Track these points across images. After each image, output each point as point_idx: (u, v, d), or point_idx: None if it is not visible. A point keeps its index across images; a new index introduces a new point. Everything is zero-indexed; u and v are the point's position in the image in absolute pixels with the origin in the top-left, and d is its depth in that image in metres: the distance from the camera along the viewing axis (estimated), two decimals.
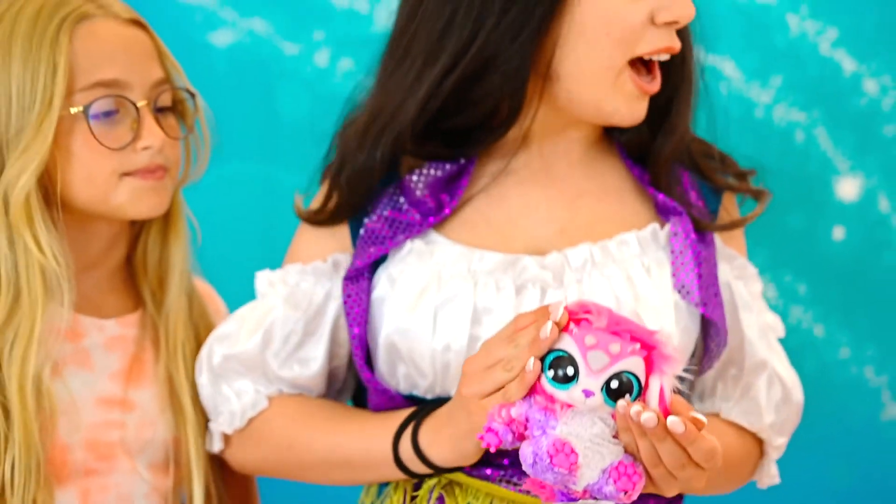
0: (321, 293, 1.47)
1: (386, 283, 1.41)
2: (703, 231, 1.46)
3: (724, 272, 1.49)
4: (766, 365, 1.50)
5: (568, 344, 1.21)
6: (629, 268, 1.40)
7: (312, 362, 1.47)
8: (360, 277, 1.42)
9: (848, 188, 2.49)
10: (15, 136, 1.41)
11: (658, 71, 1.41)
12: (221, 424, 1.48)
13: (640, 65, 1.39)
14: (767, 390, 1.51)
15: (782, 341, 2.12)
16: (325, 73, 2.50)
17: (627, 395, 1.19)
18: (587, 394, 1.19)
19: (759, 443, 1.53)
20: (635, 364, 1.21)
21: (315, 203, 1.57)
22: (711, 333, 1.45)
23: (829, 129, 2.48)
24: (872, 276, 2.48)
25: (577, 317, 1.22)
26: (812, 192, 2.48)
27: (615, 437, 1.21)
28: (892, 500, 2.44)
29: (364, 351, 1.43)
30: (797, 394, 1.56)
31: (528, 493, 1.27)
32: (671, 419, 1.16)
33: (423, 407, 1.39)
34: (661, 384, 1.21)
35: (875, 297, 2.48)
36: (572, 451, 1.19)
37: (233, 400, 1.47)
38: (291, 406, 1.48)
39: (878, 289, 2.48)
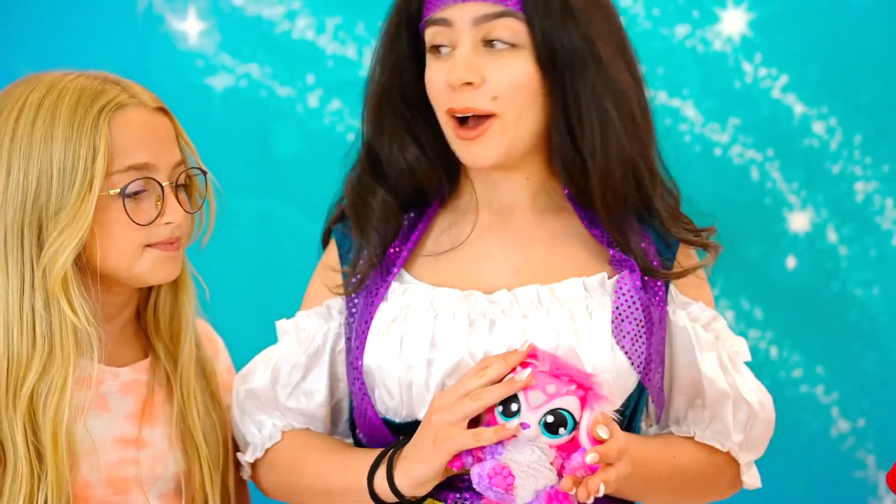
0: (321, 333, 1.57)
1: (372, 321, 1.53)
2: (654, 278, 1.54)
3: (681, 318, 1.55)
4: (729, 394, 1.56)
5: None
6: (573, 308, 1.49)
7: (316, 394, 1.56)
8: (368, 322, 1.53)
9: (799, 221, 2.54)
10: (55, 214, 1.46)
11: (475, 122, 1.51)
12: (247, 455, 1.59)
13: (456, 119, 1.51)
14: (734, 414, 1.56)
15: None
16: (316, 113, 2.54)
17: (562, 429, 1.34)
18: (524, 426, 1.34)
19: (728, 459, 1.60)
20: (570, 402, 1.35)
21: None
22: (652, 396, 1.54)
23: (782, 166, 2.52)
24: (822, 302, 2.53)
25: (525, 361, 1.36)
26: (766, 225, 2.52)
27: (552, 464, 1.34)
28: None
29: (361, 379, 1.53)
30: (765, 412, 1.61)
31: None
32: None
33: (394, 444, 1.48)
34: (591, 419, 1.35)
35: (825, 321, 2.53)
36: (510, 473, 1.34)
37: (255, 433, 1.57)
38: (298, 439, 1.57)
39: (827, 314, 2.53)
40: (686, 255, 1.62)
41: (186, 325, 1.61)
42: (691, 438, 1.56)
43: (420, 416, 1.49)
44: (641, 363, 1.49)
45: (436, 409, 1.40)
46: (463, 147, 1.50)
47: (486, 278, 1.52)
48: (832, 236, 2.56)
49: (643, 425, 1.63)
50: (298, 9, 2.54)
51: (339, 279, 1.57)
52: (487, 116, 1.48)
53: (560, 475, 1.34)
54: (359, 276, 1.54)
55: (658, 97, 2.53)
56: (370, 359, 1.49)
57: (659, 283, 1.55)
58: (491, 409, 1.36)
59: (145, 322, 1.59)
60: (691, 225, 1.65)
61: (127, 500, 1.54)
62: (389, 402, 1.50)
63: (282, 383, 1.56)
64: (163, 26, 2.55)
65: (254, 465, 1.61)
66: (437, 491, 1.46)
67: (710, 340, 1.56)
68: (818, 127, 2.56)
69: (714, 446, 1.57)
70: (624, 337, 1.49)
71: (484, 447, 1.37)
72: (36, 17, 2.56)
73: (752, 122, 2.54)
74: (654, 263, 1.53)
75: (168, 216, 1.51)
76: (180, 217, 1.52)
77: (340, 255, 1.61)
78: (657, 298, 1.54)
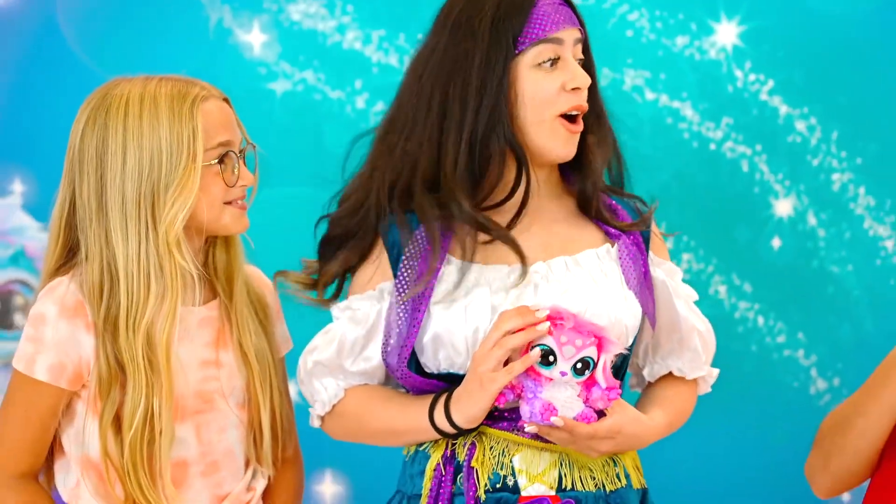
0: (374, 312, 1.73)
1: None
2: (637, 235, 1.76)
3: (659, 273, 1.77)
4: (695, 328, 1.78)
5: (549, 341, 1.59)
6: (592, 273, 1.69)
7: (374, 359, 1.73)
8: (421, 307, 1.68)
9: (783, 207, 2.62)
10: (166, 186, 1.63)
11: (580, 120, 1.71)
12: (316, 409, 1.77)
13: (566, 118, 1.70)
14: (701, 344, 1.78)
15: (731, 325, 2.52)
16: (363, 113, 2.61)
17: (586, 370, 1.57)
18: (563, 374, 1.57)
19: (696, 387, 1.83)
20: (592, 351, 1.60)
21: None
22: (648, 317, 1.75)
23: (769, 159, 2.61)
24: (803, 278, 2.62)
25: (553, 321, 1.57)
26: (755, 211, 2.60)
27: (579, 396, 1.57)
28: None
29: (410, 352, 1.70)
30: (712, 336, 1.83)
31: (526, 435, 1.61)
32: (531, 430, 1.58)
33: (445, 389, 1.67)
34: (605, 360, 1.60)
35: (805, 294, 2.62)
36: (554, 407, 1.56)
37: (322, 392, 1.74)
38: (360, 394, 1.75)
39: (807, 288, 2.62)
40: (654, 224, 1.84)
41: (237, 271, 1.77)
42: (673, 381, 1.78)
43: None
44: (646, 305, 1.71)
45: (477, 362, 1.59)
46: (568, 141, 1.69)
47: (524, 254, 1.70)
48: (812, 220, 2.63)
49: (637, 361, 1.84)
50: (348, 23, 2.60)
51: (387, 266, 1.72)
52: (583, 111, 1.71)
53: (585, 402, 1.57)
54: (423, 268, 1.68)
55: (661, 99, 2.63)
56: (438, 326, 1.66)
57: (642, 249, 1.75)
58: (532, 367, 1.57)
59: (208, 269, 1.75)
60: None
61: (213, 408, 1.72)
62: (456, 359, 1.67)
63: (346, 354, 1.72)
64: (231, 38, 2.61)
65: (322, 419, 1.78)
66: (494, 422, 1.67)
67: (678, 290, 1.77)
68: (800, 125, 2.63)
69: (685, 378, 1.78)
70: (630, 289, 1.69)
71: (524, 387, 1.58)
72: (124, 30, 2.62)
73: (743, 121, 2.61)
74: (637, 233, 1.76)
75: (243, 179, 1.70)
76: (251, 179, 1.72)
77: (387, 247, 1.74)
78: (643, 259, 1.75)
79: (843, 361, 2.63)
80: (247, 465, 1.76)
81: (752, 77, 2.62)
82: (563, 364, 1.58)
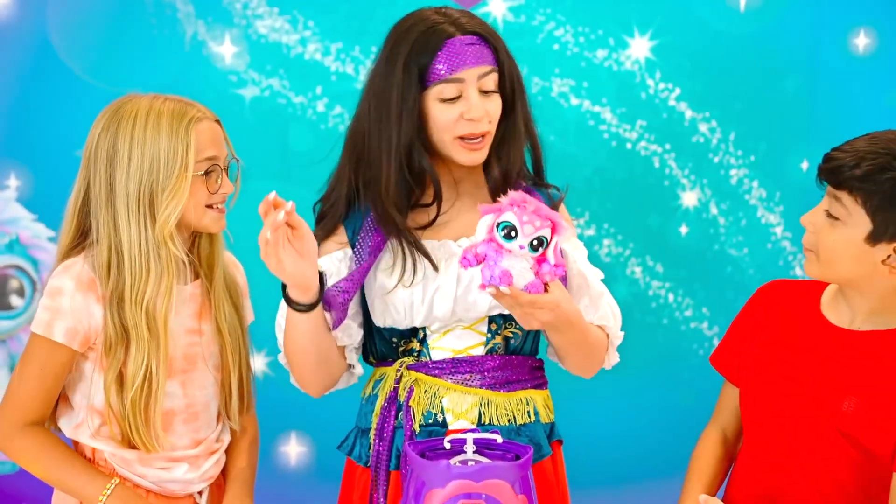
0: (333, 267, 1.84)
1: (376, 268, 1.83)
2: None
3: (568, 247, 1.86)
4: (603, 293, 1.88)
5: (512, 218, 1.67)
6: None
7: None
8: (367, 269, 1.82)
9: (689, 198, 2.70)
10: (162, 189, 1.77)
11: (481, 139, 1.80)
12: (281, 354, 1.88)
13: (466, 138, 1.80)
14: (607, 307, 1.87)
15: (646, 301, 2.61)
16: (323, 116, 2.65)
17: (540, 247, 1.64)
18: (521, 247, 1.64)
19: (607, 338, 1.89)
20: (546, 232, 1.67)
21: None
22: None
23: (676, 157, 2.70)
24: (706, 260, 2.72)
25: (518, 204, 1.65)
26: (665, 201, 2.69)
27: (531, 269, 1.64)
28: None
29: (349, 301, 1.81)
30: (618, 309, 1.90)
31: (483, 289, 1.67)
32: (490, 292, 1.64)
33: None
34: (557, 241, 1.68)
35: (708, 274, 2.72)
36: (510, 275, 1.64)
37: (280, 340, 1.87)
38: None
39: (710, 268, 2.71)
40: (562, 208, 1.92)
41: (217, 260, 1.91)
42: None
43: (416, 323, 1.81)
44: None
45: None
46: (469, 154, 1.81)
47: (454, 232, 1.84)
48: (714, 210, 2.71)
49: None
50: (309, 36, 2.61)
51: (344, 238, 1.85)
52: (487, 133, 1.81)
53: (535, 275, 1.67)
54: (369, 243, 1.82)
55: (583, 104, 2.68)
56: (387, 290, 1.80)
57: None
58: (496, 240, 1.66)
59: (193, 256, 1.89)
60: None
61: (195, 368, 1.86)
62: (396, 316, 1.81)
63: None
64: (205, 49, 2.61)
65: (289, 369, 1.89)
66: (428, 371, 1.79)
67: (584, 258, 1.87)
68: (703, 127, 2.69)
69: (603, 326, 1.86)
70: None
71: (486, 256, 1.67)
72: (109, 41, 2.61)
73: (654, 124, 2.70)
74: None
75: (224, 188, 1.84)
76: (230, 188, 1.85)
77: (345, 226, 1.87)
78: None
79: None
80: (218, 418, 1.90)
81: (661, 85, 2.68)
82: (523, 239, 1.65)
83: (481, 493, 1.43)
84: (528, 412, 1.83)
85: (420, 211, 1.85)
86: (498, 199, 1.69)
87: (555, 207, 1.87)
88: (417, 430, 1.78)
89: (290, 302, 1.75)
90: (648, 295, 2.71)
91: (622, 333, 1.92)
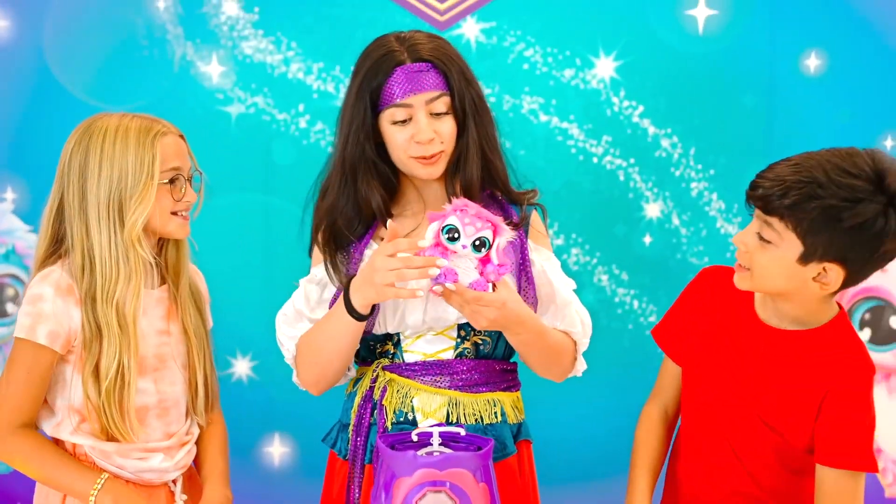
0: (325, 274, 1.95)
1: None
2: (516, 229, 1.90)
3: (535, 257, 1.93)
4: (570, 303, 1.94)
5: (455, 221, 1.74)
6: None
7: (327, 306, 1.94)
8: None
9: (653, 210, 2.72)
10: (130, 196, 1.86)
11: (436, 156, 1.87)
12: (287, 354, 1.96)
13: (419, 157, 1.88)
14: (574, 315, 1.93)
15: (612, 307, 2.61)
16: (305, 132, 2.70)
17: (482, 248, 1.70)
18: (464, 247, 1.71)
19: (573, 344, 1.94)
20: (488, 233, 1.74)
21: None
22: (530, 298, 1.90)
23: (640, 171, 2.72)
24: (669, 268, 2.74)
25: (460, 209, 1.72)
26: (630, 212, 2.72)
27: (476, 269, 1.71)
28: None
29: None
30: (588, 318, 1.96)
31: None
32: (437, 290, 1.69)
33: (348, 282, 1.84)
34: (499, 243, 1.74)
35: (671, 281, 2.69)
36: (455, 273, 1.69)
37: (286, 340, 1.95)
38: (307, 333, 1.94)
39: (672, 276, 2.71)
40: (535, 218, 1.98)
41: (184, 266, 1.99)
42: (554, 327, 1.93)
43: (388, 329, 1.89)
44: (520, 277, 1.89)
45: (375, 266, 1.75)
46: (424, 170, 1.88)
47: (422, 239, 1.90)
48: (676, 221, 2.73)
49: None
50: (292, 57, 2.67)
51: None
52: (440, 152, 1.88)
53: (480, 275, 1.73)
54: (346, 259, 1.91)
55: (552, 121, 2.70)
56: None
57: (522, 237, 1.91)
58: (441, 243, 1.72)
59: (160, 262, 1.97)
60: (521, 197, 1.98)
61: (166, 366, 1.95)
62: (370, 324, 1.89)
63: (310, 305, 1.94)
64: (193, 69, 2.67)
65: (294, 362, 1.96)
66: (401, 373, 1.87)
67: (555, 268, 1.93)
68: (665, 143, 2.71)
69: (568, 332, 1.92)
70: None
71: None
72: (102, 61, 2.67)
73: (619, 139, 2.72)
74: (514, 220, 1.91)
75: (188, 197, 1.92)
76: (193, 197, 1.94)
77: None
78: (522, 243, 1.91)
79: None
80: (187, 414, 1.98)
81: (626, 103, 2.70)
82: (465, 240, 1.72)
83: (445, 480, 1.51)
84: (496, 413, 1.90)
85: (381, 224, 1.93)
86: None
87: (524, 221, 1.93)
88: (389, 427, 1.86)
89: (352, 311, 1.80)
90: (614, 301, 2.74)
91: (587, 341, 1.95)
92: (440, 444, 1.60)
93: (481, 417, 1.88)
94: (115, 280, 1.85)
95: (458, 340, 1.92)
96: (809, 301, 1.72)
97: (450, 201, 1.79)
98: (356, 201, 1.91)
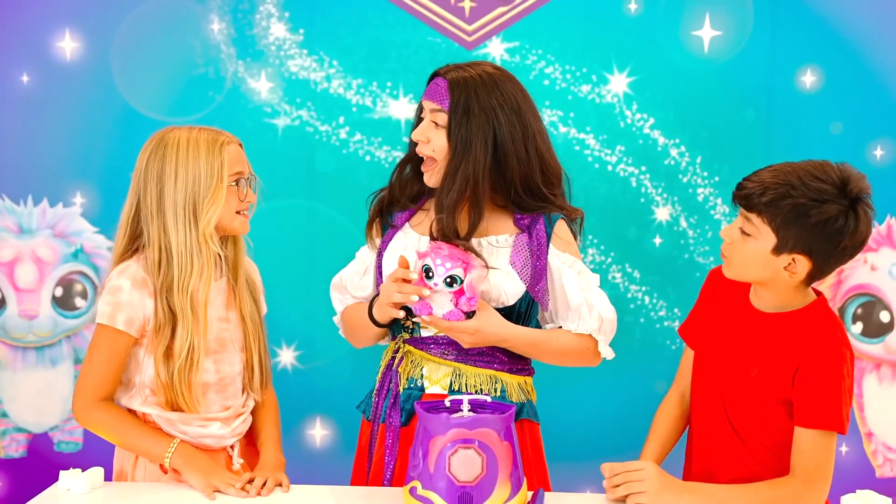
0: (370, 258, 2.15)
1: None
2: (531, 234, 2.05)
3: (555, 261, 2.06)
4: (583, 303, 2.06)
5: (429, 262, 1.92)
6: (498, 251, 2.05)
7: (368, 287, 2.15)
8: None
9: (662, 213, 2.83)
10: (203, 198, 2.03)
11: (428, 160, 2.04)
12: (336, 318, 2.18)
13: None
14: (588, 314, 2.07)
15: (625, 303, 2.69)
16: (345, 142, 2.83)
17: (454, 283, 1.89)
18: (436, 284, 1.89)
19: (591, 340, 2.08)
20: (459, 271, 1.91)
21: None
22: (537, 299, 2.05)
23: (651, 178, 2.82)
24: (677, 267, 2.84)
25: (433, 248, 1.89)
26: (641, 216, 2.81)
27: (451, 301, 1.88)
28: None
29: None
30: (608, 313, 2.08)
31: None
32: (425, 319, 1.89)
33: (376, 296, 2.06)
34: (469, 279, 1.91)
35: (679, 279, 2.84)
36: (430, 307, 1.88)
37: (336, 303, 2.18)
38: (350, 306, 2.18)
39: (681, 274, 2.84)
40: (562, 227, 2.09)
41: (241, 260, 2.16)
42: (560, 327, 2.07)
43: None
44: (527, 279, 2.03)
45: (381, 290, 2.01)
46: (424, 172, 2.08)
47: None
48: (683, 223, 2.83)
49: (540, 321, 2.11)
50: (333, 74, 2.80)
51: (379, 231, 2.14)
52: (432, 160, 2.05)
53: (455, 306, 1.91)
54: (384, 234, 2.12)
55: (570, 132, 2.80)
56: (386, 267, 2.09)
57: (544, 244, 2.06)
58: (423, 280, 1.91)
59: (222, 258, 2.14)
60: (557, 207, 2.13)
61: (225, 349, 2.11)
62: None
63: (350, 283, 2.15)
64: (244, 85, 2.81)
65: (340, 328, 2.19)
66: (415, 343, 2.06)
67: (572, 273, 2.06)
68: (674, 152, 2.82)
69: (582, 333, 2.05)
70: (514, 268, 2.03)
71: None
72: (163, 80, 2.81)
73: (632, 149, 2.82)
74: (543, 233, 2.04)
75: (249, 198, 2.10)
76: (254, 198, 2.12)
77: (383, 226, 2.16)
78: (541, 247, 2.04)
79: None
80: (243, 390, 2.15)
81: (638, 116, 2.80)
82: (438, 278, 1.90)
83: (474, 439, 1.70)
84: (495, 388, 2.05)
85: (420, 213, 2.14)
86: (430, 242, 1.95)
87: (547, 236, 2.04)
88: (401, 391, 2.05)
89: (373, 320, 2.05)
90: (627, 297, 2.84)
91: (606, 337, 2.06)
92: (469, 410, 1.78)
93: (481, 390, 2.04)
94: (190, 272, 2.01)
95: (466, 319, 2.05)
96: (783, 289, 1.90)
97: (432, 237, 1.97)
98: (401, 186, 2.12)
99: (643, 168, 2.83)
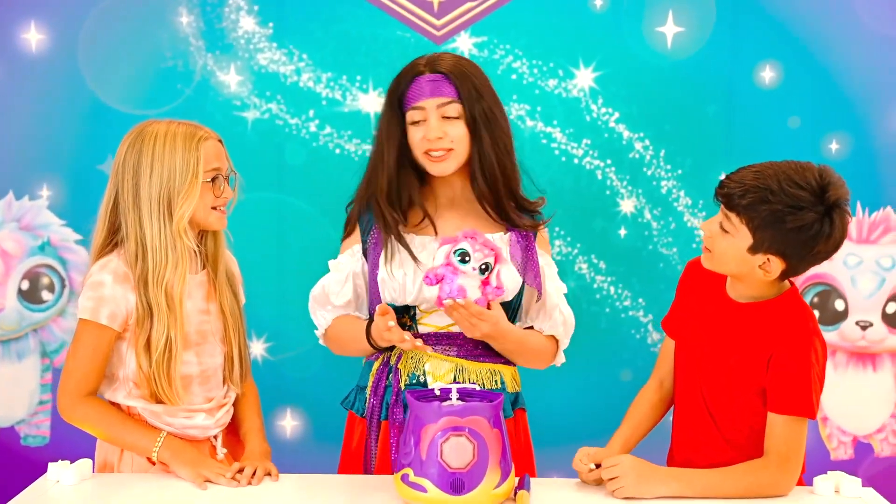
0: (351, 265, 2.15)
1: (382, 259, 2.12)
2: (523, 231, 2.12)
3: (540, 261, 2.14)
4: (557, 306, 2.15)
5: (467, 247, 1.94)
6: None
7: (348, 294, 2.15)
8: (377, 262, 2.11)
9: (627, 205, 2.87)
10: (177, 193, 2.02)
11: (442, 154, 2.07)
12: (319, 332, 2.17)
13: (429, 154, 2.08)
14: (560, 317, 2.14)
15: (591, 293, 2.74)
16: (315, 135, 2.84)
17: (486, 271, 1.90)
18: (473, 269, 1.92)
19: (554, 341, 2.16)
20: (491, 260, 1.95)
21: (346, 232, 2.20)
22: (532, 287, 2.09)
23: (616, 171, 2.86)
24: (642, 258, 2.88)
25: (469, 235, 1.92)
26: (607, 208, 2.85)
27: (478, 288, 1.90)
28: None
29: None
30: (572, 318, 2.19)
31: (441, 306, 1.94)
32: (448, 303, 1.89)
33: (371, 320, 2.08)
34: (499, 269, 1.95)
35: (643, 269, 2.88)
36: (465, 290, 1.90)
37: (320, 319, 2.16)
38: (338, 321, 2.16)
39: (645, 265, 2.88)
40: (543, 228, 2.16)
41: (220, 255, 2.17)
42: (531, 327, 2.16)
43: (408, 302, 2.09)
44: (521, 272, 2.09)
45: (375, 331, 2.02)
46: (434, 167, 2.09)
47: (444, 234, 2.12)
48: (648, 215, 2.88)
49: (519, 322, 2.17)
50: (303, 67, 2.81)
51: (358, 237, 2.13)
52: (448, 150, 2.08)
53: (481, 294, 1.95)
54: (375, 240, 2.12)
55: (537, 126, 2.83)
56: (382, 274, 2.10)
57: (531, 241, 2.11)
58: (452, 263, 1.92)
59: (201, 251, 2.14)
60: (532, 204, 2.18)
61: (206, 341, 2.12)
62: (394, 294, 2.10)
63: (333, 292, 2.14)
64: (213, 78, 2.81)
65: (323, 337, 2.17)
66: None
67: (551, 274, 2.13)
68: (638, 146, 2.86)
69: (550, 335, 2.12)
70: (513, 258, 2.10)
71: (445, 276, 1.93)
72: (130, 71, 2.80)
73: (597, 142, 2.86)
74: (526, 224, 2.11)
75: (226, 193, 2.10)
76: (230, 194, 2.12)
77: (361, 230, 2.15)
78: (529, 241, 2.11)
79: None
80: (224, 381, 2.17)
81: (603, 110, 2.84)
82: (474, 263, 1.92)
83: (465, 426, 1.74)
84: (496, 381, 2.11)
85: (412, 213, 2.16)
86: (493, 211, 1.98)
87: (534, 227, 2.11)
88: (402, 388, 2.07)
89: (372, 344, 2.05)
90: (593, 288, 2.89)
91: (568, 340, 2.15)
92: (458, 399, 1.82)
93: (483, 383, 2.09)
94: (165, 266, 2.02)
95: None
96: (757, 283, 1.97)
97: (483, 200, 1.99)
98: (388, 191, 2.11)
99: (608, 161, 2.87)
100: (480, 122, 2.09)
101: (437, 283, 1.95)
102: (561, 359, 2.19)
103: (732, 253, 1.92)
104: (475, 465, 1.74)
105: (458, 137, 2.09)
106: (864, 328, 2.93)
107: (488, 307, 1.97)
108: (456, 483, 1.72)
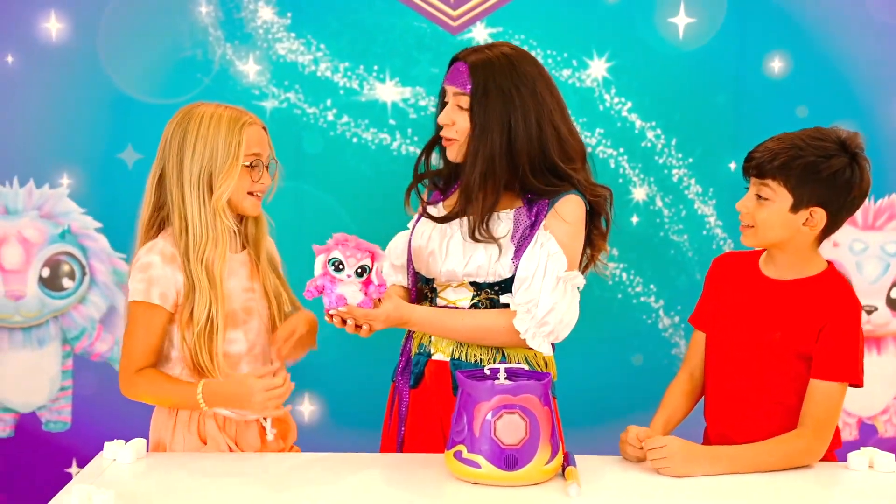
0: (408, 234, 2.25)
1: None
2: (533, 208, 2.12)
3: (540, 237, 2.11)
4: (527, 280, 2.10)
5: (338, 254, 1.96)
6: (498, 227, 2.13)
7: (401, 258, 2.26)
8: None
9: (639, 193, 2.92)
10: (219, 173, 2.07)
11: (451, 142, 2.14)
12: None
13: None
14: (527, 294, 2.09)
15: (603, 279, 2.75)
16: (332, 124, 2.86)
17: (364, 273, 1.95)
18: (349, 276, 1.95)
19: (510, 316, 2.10)
20: (367, 261, 1.97)
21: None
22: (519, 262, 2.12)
23: (629, 159, 2.91)
24: (653, 245, 2.93)
25: (339, 241, 1.94)
26: (619, 195, 2.82)
27: (360, 290, 1.94)
28: (666, 373, 2.69)
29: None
30: (547, 299, 2.10)
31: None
32: (332, 313, 1.96)
33: None
34: (376, 267, 1.98)
35: (655, 256, 2.93)
36: (344, 298, 1.93)
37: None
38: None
39: (656, 251, 2.93)
40: (563, 203, 2.14)
41: (263, 238, 2.22)
42: (486, 310, 2.15)
43: (432, 275, 2.17)
44: (515, 249, 2.11)
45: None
46: (448, 151, 2.17)
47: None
48: (659, 203, 2.93)
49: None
50: (320, 57, 2.83)
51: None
52: (454, 140, 2.14)
53: (365, 294, 1.98)
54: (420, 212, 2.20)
55: None
56: (415, 242, 2.20)
57: (540, 217, 2.13)
58: (329, 273, 1.95)
59: (242, 234, 2.20)
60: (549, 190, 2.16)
61: (252, 318, 2.17)
62: (418, 264, 2.20)
63: (395, 254, 2.26)
64: (232, 68, 2.83)
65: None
66: None
67: (536, 246, 2.11)
68: (650, 134, 2.90)
69: (504, 310, 2.11)
70: (513, 242, 2.12)
71: (325, 287, 1.96)
72: (150, 61, 2.82)
73: (610, 131, 2.90)
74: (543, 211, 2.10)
75: (264, 180, 2.15)
76: (269, 181, 2.17)
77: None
78: (538, 216, 2.11)
79: (681, 304, 2.93)
80: (271, 362, 2.20)
81: (616, 100, 2.88)
82: (349, 269, 1.95)
83: (517, 404, 1.79)
84: (494, 359, 2.13)
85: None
86: (329, 239, 2.02)
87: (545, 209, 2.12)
88: (412, 356, 2.17)
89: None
90: (606, 274, 2.78)
91: (535, 323, 2.09)
92: (506, 378, 1.86)
93: (481, 360, 2.13)
94: (206, 242, 2.07)
95: (475, 293, 2.16)
96: (802, 248, 2.04)
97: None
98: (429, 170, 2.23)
99: (621, 150, 2.90)
100: (478, 127, 2.10)
101: (319, 294, 1.98)
102: (540, 346, 2.13)
103: (775, 218, 2.00)
104: (527, 442, 1.78)
105: (461, 128, 2.14)
106: (869, 312, 3.00)
107: (377, 305, 2.01)
108: (509, 459, 1.76)
